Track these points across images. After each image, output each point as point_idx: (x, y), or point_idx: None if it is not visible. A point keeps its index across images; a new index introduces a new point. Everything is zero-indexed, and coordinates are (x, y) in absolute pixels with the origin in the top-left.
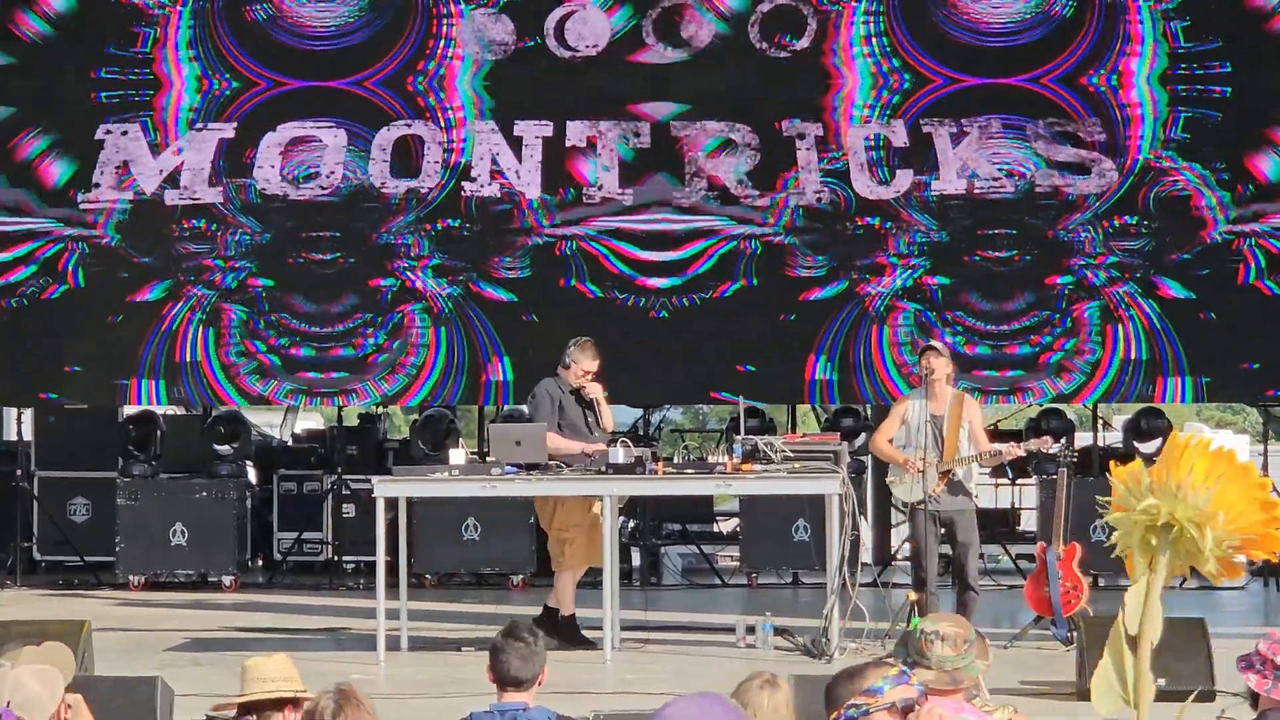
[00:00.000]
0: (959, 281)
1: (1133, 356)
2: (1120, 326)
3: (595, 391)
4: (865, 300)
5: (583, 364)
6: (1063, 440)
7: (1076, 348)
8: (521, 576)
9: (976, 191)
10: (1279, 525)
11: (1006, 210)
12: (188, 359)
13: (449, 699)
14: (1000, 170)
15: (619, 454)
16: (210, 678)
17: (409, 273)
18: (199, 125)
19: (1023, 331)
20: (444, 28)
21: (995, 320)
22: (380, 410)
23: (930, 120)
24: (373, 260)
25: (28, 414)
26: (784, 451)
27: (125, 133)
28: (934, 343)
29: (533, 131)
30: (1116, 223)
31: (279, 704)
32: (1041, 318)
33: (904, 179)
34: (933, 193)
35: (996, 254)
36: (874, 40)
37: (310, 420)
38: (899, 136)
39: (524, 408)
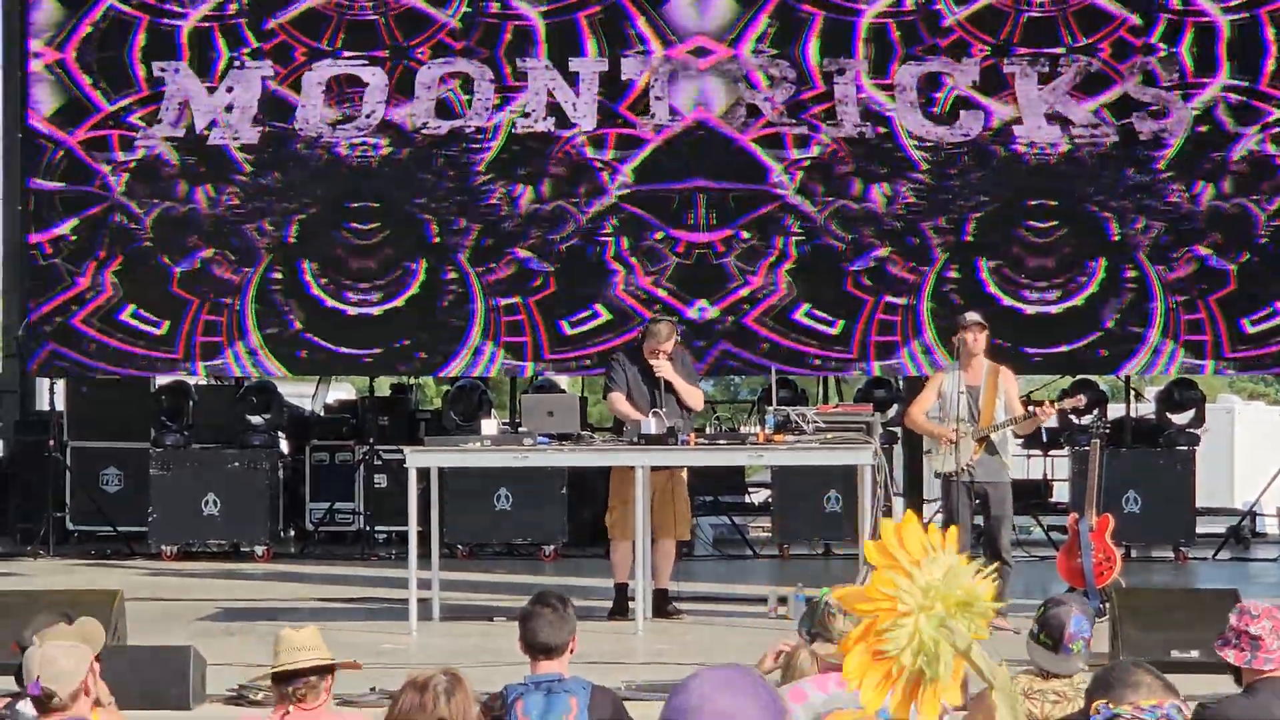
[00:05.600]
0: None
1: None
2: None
3: (664, 372)
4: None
5: (650, 342)
6: (1095, 411)
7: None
8: (554, 547)
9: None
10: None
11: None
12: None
13: (482, 669)
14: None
15: (651, 425)
16: (242, 648)
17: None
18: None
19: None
20: None
21: (1042, 285)
22: (411, 380)
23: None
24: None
25: (60, 384)
26: (816, 422)
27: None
28: (973, 316)
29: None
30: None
31: (314, 672)
32: (1080, 283)
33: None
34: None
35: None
36: None
37: (342, 391)
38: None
39: (554, 377)
